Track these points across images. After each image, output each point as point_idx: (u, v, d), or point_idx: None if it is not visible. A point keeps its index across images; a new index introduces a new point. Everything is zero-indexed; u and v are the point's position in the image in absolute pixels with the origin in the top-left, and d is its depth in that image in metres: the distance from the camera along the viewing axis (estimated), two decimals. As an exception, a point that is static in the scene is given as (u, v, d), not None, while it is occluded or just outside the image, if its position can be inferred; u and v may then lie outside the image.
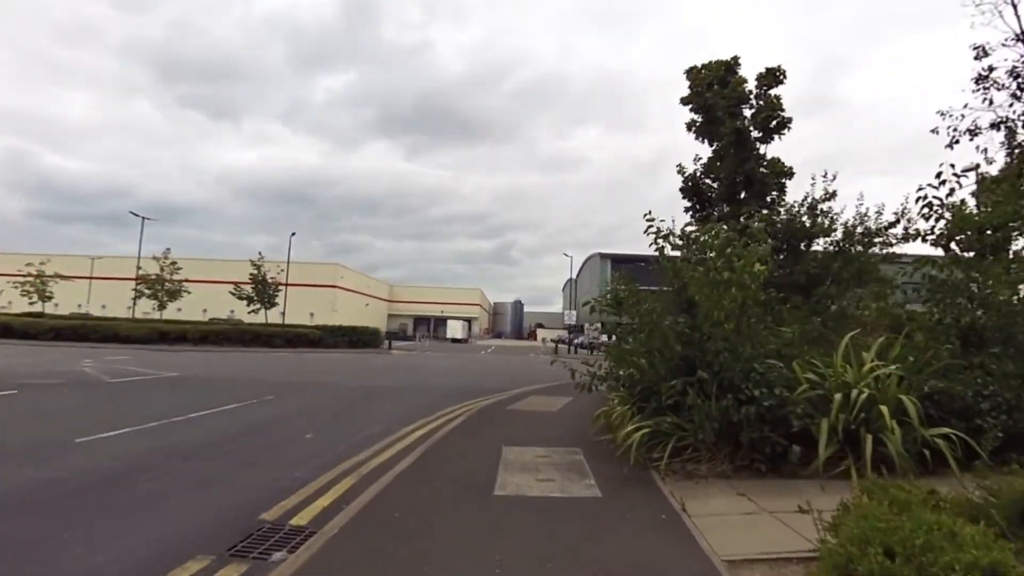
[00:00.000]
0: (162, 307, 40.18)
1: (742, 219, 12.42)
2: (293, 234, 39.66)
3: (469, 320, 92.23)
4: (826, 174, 11.86)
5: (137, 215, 43.25)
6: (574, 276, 56.68)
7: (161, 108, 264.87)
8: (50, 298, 41.27)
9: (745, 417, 6.34)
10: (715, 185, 13.77)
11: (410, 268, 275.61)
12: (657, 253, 8.70)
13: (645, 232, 8.56)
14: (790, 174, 12.96)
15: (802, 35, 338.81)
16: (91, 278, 69.23)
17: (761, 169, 12.75)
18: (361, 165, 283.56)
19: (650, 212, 8.48)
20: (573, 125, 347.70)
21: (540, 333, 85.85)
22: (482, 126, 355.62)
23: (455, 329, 79.53)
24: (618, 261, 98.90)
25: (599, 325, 52.65)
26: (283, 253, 43.36)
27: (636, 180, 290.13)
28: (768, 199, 12.99)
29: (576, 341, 54.00)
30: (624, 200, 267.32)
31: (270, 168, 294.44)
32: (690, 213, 14.24)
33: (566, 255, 50.46)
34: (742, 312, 7.22)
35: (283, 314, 57.02)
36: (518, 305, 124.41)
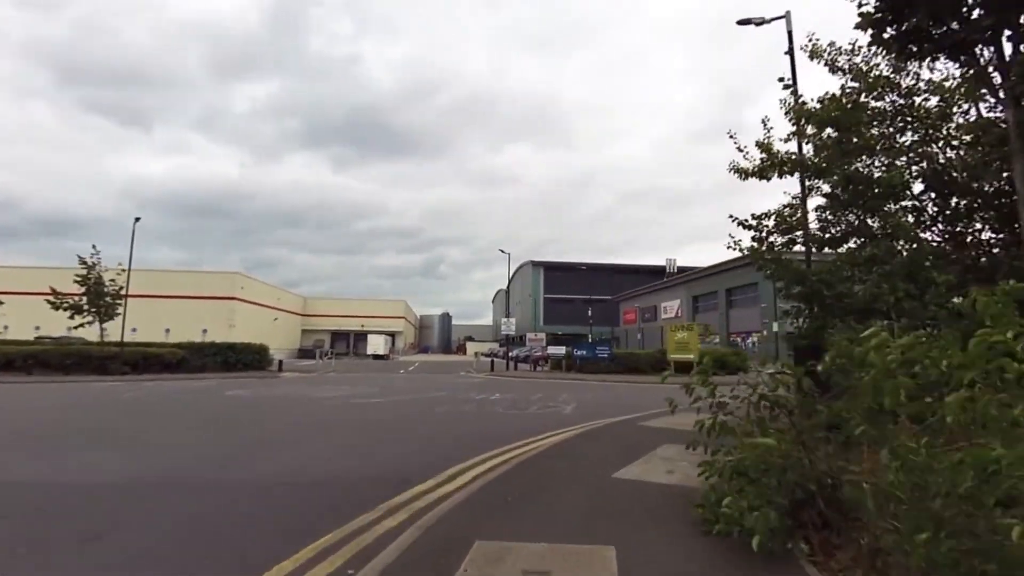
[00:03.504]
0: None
1: None
2: (138, 219, 28.03)
3: (393, 334, 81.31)
4: None
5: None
6: (507, 281, 47.68)
7: (60, 113, 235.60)
8: None
9: None
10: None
11: (334, 283, 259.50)
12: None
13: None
14: None
15: (715, 68, 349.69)
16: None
17: None
18: (284, 177, 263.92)
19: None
20: (504, 142, 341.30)
21: (470, 347, 76.43)
22: (413, 140, 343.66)
23: (376, 344, 68.61)
24: (551, 269, 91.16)
25: (542, 335, 43.88)
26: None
27: (565, 198, 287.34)
28: None
29: (513, 354, 44.87)
30: (553, 217, 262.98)
31: (184, 179, 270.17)
32: (876, 47, 5.55)
33: (502, 251, 41.40)
34: None
35: (172, 329, 44.73)
36: (446, 318, 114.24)
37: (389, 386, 21.66)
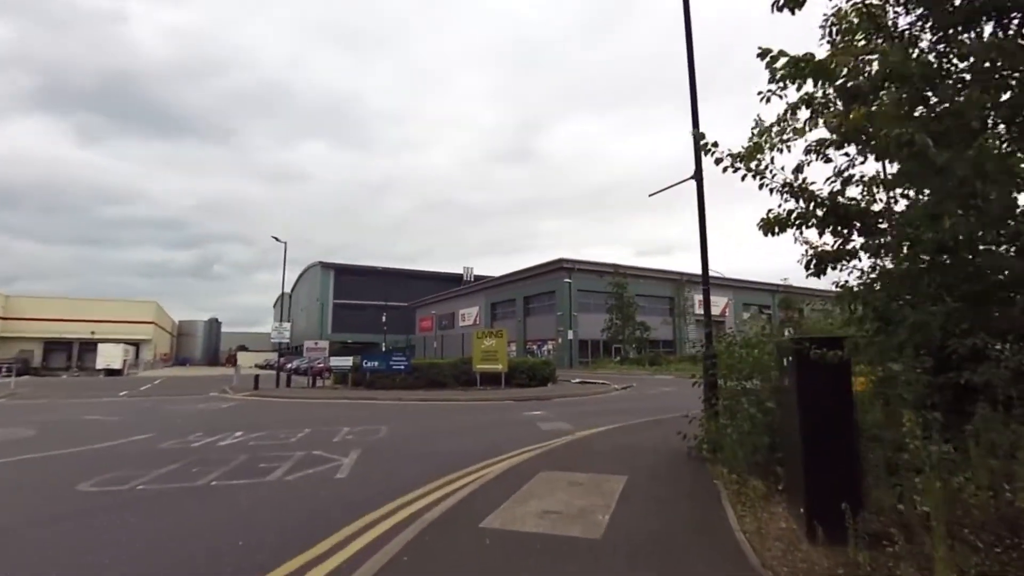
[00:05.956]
0: None
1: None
2: None
3: (137, 343, 65.01)
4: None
5: None
6: (282, 278, 39.39)
7: None
8: None
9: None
10: None
11: (70, 281, 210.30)
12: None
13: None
14: None
15: (511, 95, 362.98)
16: None
17: None
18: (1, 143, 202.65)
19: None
20: (298, 137, 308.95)
21: (244, 358, 63.99)
22: (187, 121, 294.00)
23: (111, 356, 53.05)
24: (343, 272, 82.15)
25: (325, 344, 36.50)
26: None
27: (362, 202, 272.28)
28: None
29: (291, 366, 36.82)
30: (349, 221, 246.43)
31: None
32: None
33: (276, 239, 33.43)
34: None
35: None
36: (214, 324, 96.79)
37: (61, 424, 13.39)
